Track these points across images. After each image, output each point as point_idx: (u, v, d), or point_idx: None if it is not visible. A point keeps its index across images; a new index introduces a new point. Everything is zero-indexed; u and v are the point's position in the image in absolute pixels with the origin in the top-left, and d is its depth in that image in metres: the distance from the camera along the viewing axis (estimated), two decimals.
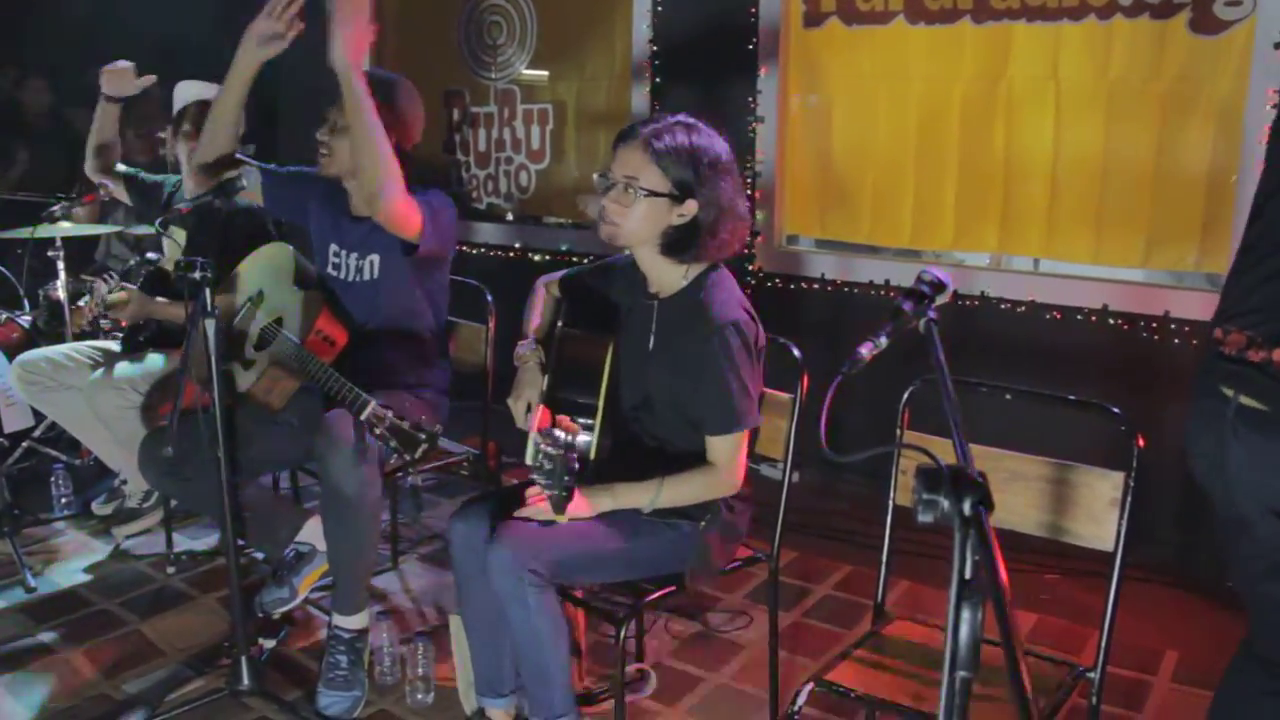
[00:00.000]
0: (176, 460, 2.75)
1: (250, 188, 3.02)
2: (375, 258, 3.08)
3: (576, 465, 2.23)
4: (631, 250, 2.50)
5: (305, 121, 3.08)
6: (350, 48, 2.71)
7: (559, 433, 2.23)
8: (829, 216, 4.53)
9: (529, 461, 2.28)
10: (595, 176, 2.43)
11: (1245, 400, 1.80)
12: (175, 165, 3.90)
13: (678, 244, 2.40)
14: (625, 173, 2.36)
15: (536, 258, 5.33)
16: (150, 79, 3.82)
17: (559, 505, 2.25)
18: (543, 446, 2.22)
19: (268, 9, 2.82)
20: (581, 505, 2.33)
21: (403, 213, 2.85)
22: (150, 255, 3.98)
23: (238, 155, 3.11)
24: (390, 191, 2.79)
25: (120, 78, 3.82)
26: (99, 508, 4.16)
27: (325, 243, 3.18)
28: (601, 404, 2.42)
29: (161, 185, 3.96)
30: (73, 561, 3.79)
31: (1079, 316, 3.86)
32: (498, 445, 3.72)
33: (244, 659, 2.77)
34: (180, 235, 3.73)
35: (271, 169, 3.18)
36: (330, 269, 3.17)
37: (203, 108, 3.69)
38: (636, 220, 2.37)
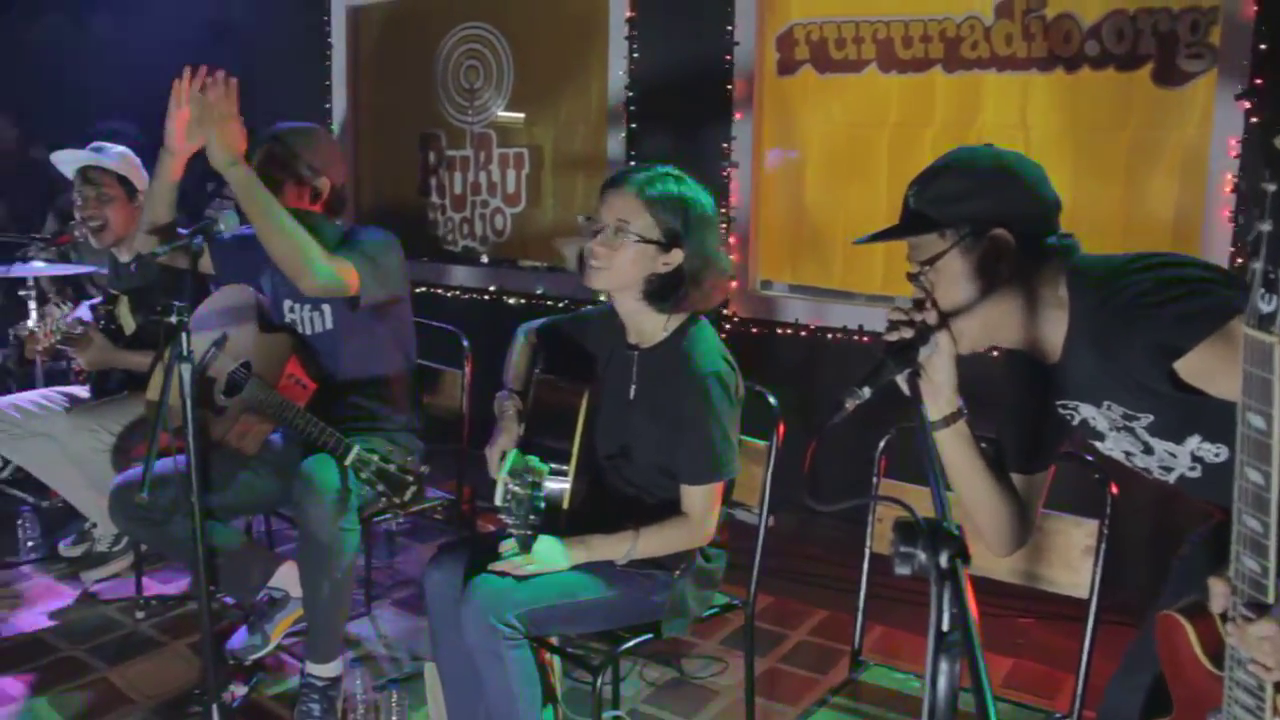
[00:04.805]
0: (149, 506, 2.73)
1: (226, 231, 3.01)
2: (327, 307, 3.08)
3: (542, 506, 2.23)
4: (612, 297, 2.51)
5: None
6: (227, 144, 2.78)
7: (527, 474, 2.24)
8: (802, 262, 4.57)
9: (497, 503, 2.28)
10: (581, 219, 2.45)
11: None
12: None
13: (660, 292, 2.41)
14: (617, 217, 2.38)
15: (511, 301, 5.34)
16: None
17: (524, 545, 2.25)
18: (510, 487, 2.23)
19: (175, 99, 2.85)
20: (555, 557, 2.33)
21: (330, 284, 2.85)
22: (112, 292, 3.95)
23: (180, 230, 3.10)
24: (311, 272, 2.80)
25: None
26: (67, 550, 4.10)
27: (280, 300, 3.17)
28: (575, 451, 2.42)
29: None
30: (39, 606, 3.74)
31: None
32: (472, 490, 3.70)
33: (215, 707, 2.72)
34: (124, 303, 3.79)
35: (219, 237, 3.15)
36: (288, 324, 3.16)
37: (86, 174, 3.72)
38: (623, 265, 2.39)
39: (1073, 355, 1.78)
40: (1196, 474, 1.77)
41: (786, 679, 3.32)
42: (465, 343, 3.50)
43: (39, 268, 4.11)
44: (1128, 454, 1.85)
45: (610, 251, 2.39)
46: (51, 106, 6.44)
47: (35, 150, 6.18)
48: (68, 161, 3.79)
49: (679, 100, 4.74)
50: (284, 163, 2.99)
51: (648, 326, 2.50)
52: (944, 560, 1.22)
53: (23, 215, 5.76)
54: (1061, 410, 1.89)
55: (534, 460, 2.30)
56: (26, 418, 3.77)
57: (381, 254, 3.02)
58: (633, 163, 4.70)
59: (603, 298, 2.54)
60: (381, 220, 4.55)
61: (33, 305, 4.03)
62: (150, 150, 3.95)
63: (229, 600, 3.46)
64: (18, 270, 4.00)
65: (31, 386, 4.11)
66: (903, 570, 1.24)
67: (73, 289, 4.28)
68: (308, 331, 3.12)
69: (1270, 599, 1.40)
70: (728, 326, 4.61)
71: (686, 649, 3.45)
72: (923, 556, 1.23)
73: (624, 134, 4.89)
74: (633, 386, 2.50)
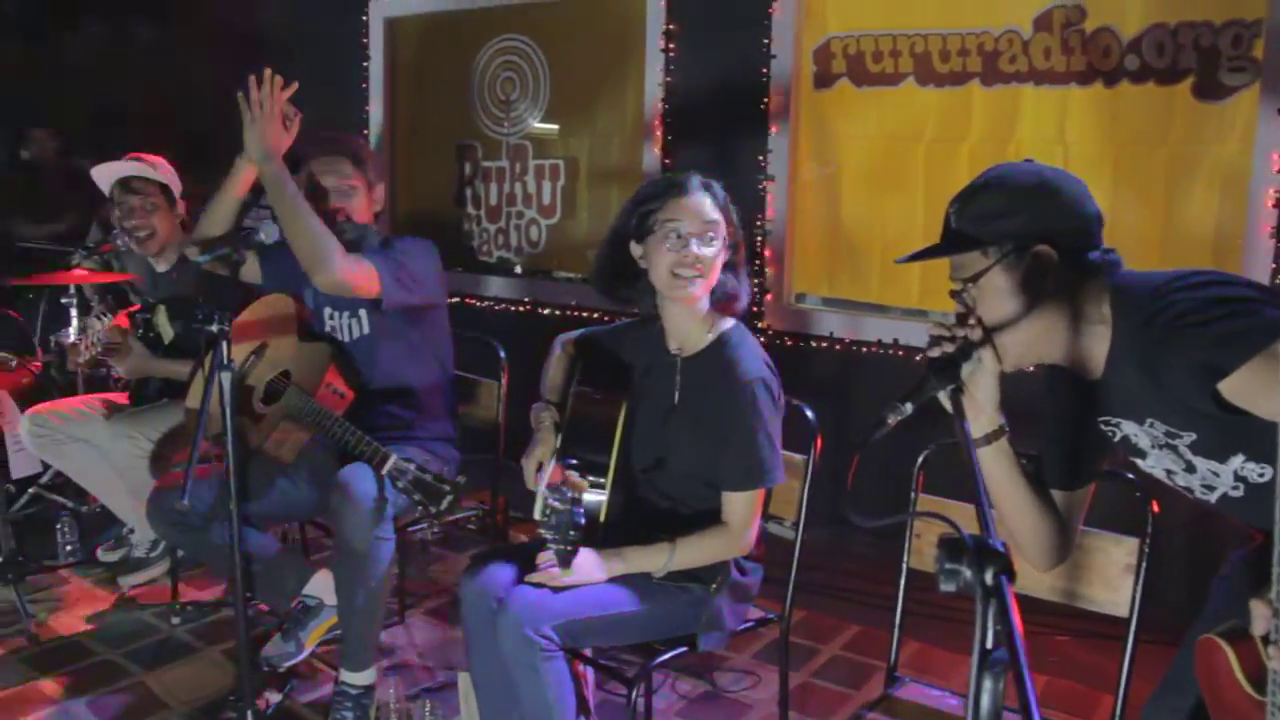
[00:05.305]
0: (187, 512, 2.75)
1: (267, 241, 3.03)
2: (364, 312, 3.12)
3: (582, 521, 2.23)
4: (666, 305, 2.49)
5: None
6: (268, 138, 2.86)
7: (566, 489, 2.24)
8: (838, 275, 4.56)
9: (537, 516, 2.29)
10: (674, 232, 2.37)
11: None
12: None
13: (726, 294, 2.46)
14: (705, 221, 2.38)
15: (546, 312, 5.36)
16: None
17: (564, 560, 2.25)
18: (550, 501, 2.23)
19: (255, 111, 2.88)
20: (593, 569, 2.33)
21: (346, 281, 2.91)
22: (150, 301, 3.99)
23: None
24: (327, 266, 2.88)
25: None
26: (105, 555, 4.15)
27: (321, 307, 3.21)
28: (613, 463, 2.42)
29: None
30: (77, 610, 3.78)
31: None
32: (507, 501, 3.71)
33: (249, 713, 2.74)
34: (161, 312, 3.83)
35: (264, 245, 3.18)
36: (329, 332, 3.19)
37: (129, 184, 3.76)
38: (716, 269, 2.42)
39: (1115, 372, 1.77)
40: (1239, 494, 1.75)
41: (820, 694, 3.30)
42: (502, 353, 3.51)
43: (80, 275, 4.15)
44: (1169, 472, 1.83)
45: (706, 257, 2.39)
46: (91, 119, 6.53)
47: (76, 162, 6.26)
48: (108, 175, 3.84)
49: (715, 113, 4.75)
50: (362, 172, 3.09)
51: (694, 334, 2.50)
52: (989, 577, 1.21)
53: (67, 225, 5.83)
54: (1103, 427, 1.87)
55: (574, 475, 2.30)
56: (67, 423, 3.80)
57: (411, 258, 3.06)
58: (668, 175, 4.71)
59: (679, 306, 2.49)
60: (417, 230, 4.58)
61: (74, 314, 4.07)
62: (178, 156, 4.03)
63: (264, 607, 3.49)
64: (62, 277, 4.04)
65: (73, 393, 4.16)
66: (947, 587, 1.23)
67: (113, 297, 4.32)
68: (346, 338, 3.14)
69: None
70: (761, 339, 4.59)
71: (719, 662, 3.44)
72: (968, 573, 1.22)
73: (659, 146, 4.90)
74: (677, 393, 2.50)
